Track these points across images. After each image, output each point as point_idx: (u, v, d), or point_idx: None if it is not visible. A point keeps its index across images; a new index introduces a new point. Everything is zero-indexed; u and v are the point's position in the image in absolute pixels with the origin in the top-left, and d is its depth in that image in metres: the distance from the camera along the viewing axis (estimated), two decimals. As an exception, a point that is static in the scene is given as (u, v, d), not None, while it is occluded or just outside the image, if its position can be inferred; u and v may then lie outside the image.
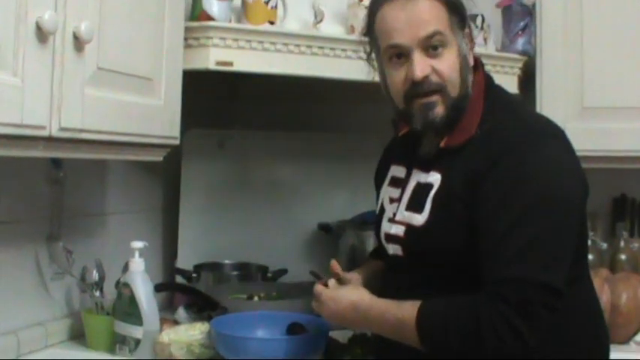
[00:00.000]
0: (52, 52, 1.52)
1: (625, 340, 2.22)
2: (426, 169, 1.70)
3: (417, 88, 1.65)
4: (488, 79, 1.76)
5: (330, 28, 2.27)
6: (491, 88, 1.74)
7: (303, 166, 2.71)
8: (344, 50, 2.23)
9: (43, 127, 1.52)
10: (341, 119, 2.86)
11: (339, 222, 2.66)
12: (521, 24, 2.56)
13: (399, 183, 1.79)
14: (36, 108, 1.49)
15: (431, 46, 1.64)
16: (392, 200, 1.79)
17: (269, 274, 2.52)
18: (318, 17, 2.23)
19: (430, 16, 1.64)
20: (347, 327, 1.87)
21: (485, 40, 2.47)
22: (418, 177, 1.72)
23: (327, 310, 1.74)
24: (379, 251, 1.94)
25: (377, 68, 1.79)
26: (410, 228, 1.70)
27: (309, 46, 2.18)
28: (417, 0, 1.65)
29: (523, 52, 2.53)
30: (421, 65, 1.63)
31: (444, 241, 1.64)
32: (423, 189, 1.69)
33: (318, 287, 1.77)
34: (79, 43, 1.58)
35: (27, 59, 1.45)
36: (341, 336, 2.07)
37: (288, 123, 2.81)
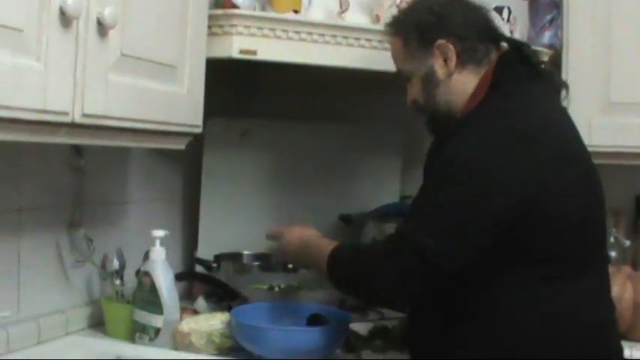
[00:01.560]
0: (76, 37, 1.50)
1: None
2: None
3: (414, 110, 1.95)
4: (502, 70, 1.82)
5: (356, 17, 2.25)
6: (501, 81, 1.80)
7: (325, 156, 2.69)
8: (369, 40, 2.21)
9: (66, 113, 1.50)
10: (364, 110, 2.84)
11: (361, 213, 2.64)
12: (549, 17, 2.53)
13: None
14: (59, 94, 1.48)
15: (404, 79, 1.93)
16: None
17: (289, 265, 2.50)
18: (343, 6, 2.21)
19: (393, 56, 1.96)
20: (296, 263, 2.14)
21: (511, 32, 2.44)
22: None
23: (284, 244, 1.98)
24: None
25: None
26: None
27: (333, 36, 2.16)
28: (391, 41, 1.96)
29: (550, 46, 2.51)
30: (408, 95, 1.94)
31: None
32: None
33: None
34: (102, 28, 1.56)
35: (50, 44, 1.44)
36: (362, 328, 2.06)
37: (311, 113, 2.80)
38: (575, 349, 1.66)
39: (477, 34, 1.85)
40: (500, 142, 1.66)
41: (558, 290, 1.67)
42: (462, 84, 1.84)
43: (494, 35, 1.88)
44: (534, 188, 1.64)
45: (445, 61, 1.84)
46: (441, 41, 1.83)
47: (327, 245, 1.82)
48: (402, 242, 1.65)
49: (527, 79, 1.82)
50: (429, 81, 1.87)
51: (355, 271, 1.74)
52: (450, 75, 1.84)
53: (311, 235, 1.95)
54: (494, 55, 1.85)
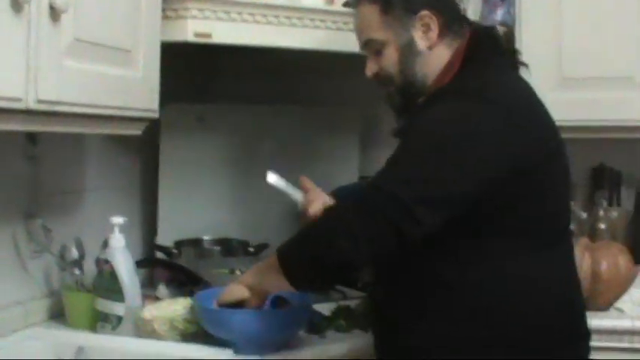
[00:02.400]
0: (28, 22, 1.47)
1: (605, 307, 2.24)
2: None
3: (376, 82, 1.90)
4: (474, 47, 1.82)
5: (310, -1, 2.25)
6: (475, 56, 1.81)
7: (283, 139, 2.68)
8: (323, 21, 2.21)
9: (19, 99, 1.48)
10: (321, 91, 2.84)
11: (320, 195, 2.64)
12: (501, -6, 2.55)
13: None
14: (12, 79, 1.45)
15: (371, 49, 1.88)
16: None
17: (250, 249, 2.50)
18: (298, -12, 2.21)
19: (363, 25, 1.90)
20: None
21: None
22: None
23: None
24: None
25: None
26: None
27: (288, 17, 2.16)
28: (358, 9, 1.91)
29: (502, 23, 2.52)
30: (369, 66, 1.90)
31: None
32: None
33: None
34: (54, 13, 1.53)
35: (1, 30, 1.41)
36: (325, 308, 2.06)
37: (268, 96, 2.79)
38: (546, 322, 1.68)
39: (452, 9, 1.87)
40: (487, 110, 1.66)
41: (532, 262, 1.69)
42: (438, 57, 1.83)
43: (461, 12, 1.90)
44: (518, 158, 1.65)
45: (425, 33, 1.83)
46: (424, 12, 1.82)
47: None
48: (374, 191, 1.63)
49: (496, 56, 1.85)
50: (408, 52, 1.84)
51: (316, 237, 1.71)
52: (429, 47, 1.83)
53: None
54: (465, 32, 1.85)
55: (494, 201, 1.64)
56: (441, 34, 1.83)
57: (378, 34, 1.86)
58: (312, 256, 1.68)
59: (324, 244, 1.66)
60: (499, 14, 2.53)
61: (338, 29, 2.22)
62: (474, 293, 1.67)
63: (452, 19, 1.85)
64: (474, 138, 1.64)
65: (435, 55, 1.83)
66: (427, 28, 1.83)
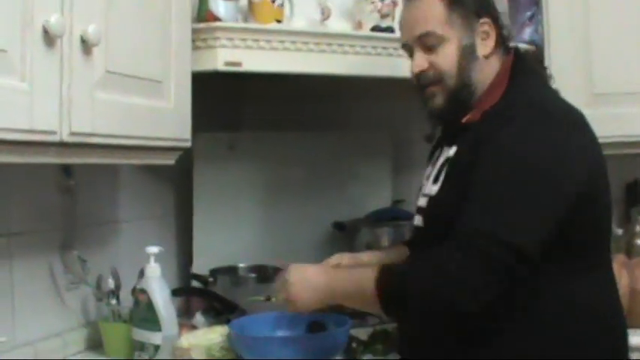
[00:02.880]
0: (60, 55, 1.50)
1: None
2: (450, 145, 1.79)
3: (419, 81, 1.82)
4: (521, 63, 1.82)
5: (338, 24, 2.27)
6: (521, 71, 1.80)
7: (315, 165, 2.69)
8: (352, 46, 2.21)
9: (53, 133, 1.50)
10: (352, 117, 2.85)
11: (353, 220, 2.65)
12: (528, 13, 2.54)
13: (434, 160, 1.88)
14: (45, 113, 1.48)
15: (426, 43, 1.79)
16: (427, 177, 1.87)
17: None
18: (325, 14, 2.22)
19: (424, 17, 1.80)
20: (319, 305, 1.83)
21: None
22: (445, 153, 1.81)
23: (294, 295, 1.79)
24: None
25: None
26: (430, 198, 1.79)
27: (317, 44, 2.17)
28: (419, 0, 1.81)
29: (531, 42, 2.52)
30: (418, 61, 1.81)
31: (448, 209, 1.67)
32: (444, 163, 1.79)
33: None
34: (86, 46, 1.56)
35: (34, 63, 1.44)
36: (362, 333, 2.05)
37: (298, 123, 2.80)
38: (595, 343, 1.65)
39: (506, 25, 1.85)
40: (569, 131, 1.64)
41: (590, 283, 1.66)
42: (490, 68, 1.80)
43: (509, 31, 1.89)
44: (591, 177, 1.65)
45: (484, 40, 1.79)
46: (486, 19, 1.79)
47: (359, 272, 1.71)
48: (479, 238, 1.54)
49: (537, 73, 1.86)
50: (469, 54, 1.79)
51: (423, 284, 1.58)
52: (486, 55, 1.79)
53: (320, 272, 1.81)
54: (510, 49, 1.84)
55: (574, 223, 1.61)
56: (496, 46, 1.81)
57: (440, 28, 1.78)
58: (421, 311, 1.60)
59: (436, 300, 1.56)
60: (527, 33, 2.52)
61: (367, 54, 2.23)
62: (534, 316, 1.62)
63: (504, 35, 1.83)
64: (564, 162, 1.61)
65: (489, 65, 1.80)
66: (487, 36, 1.79)
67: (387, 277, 1.63)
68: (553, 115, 1.67)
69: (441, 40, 1.78)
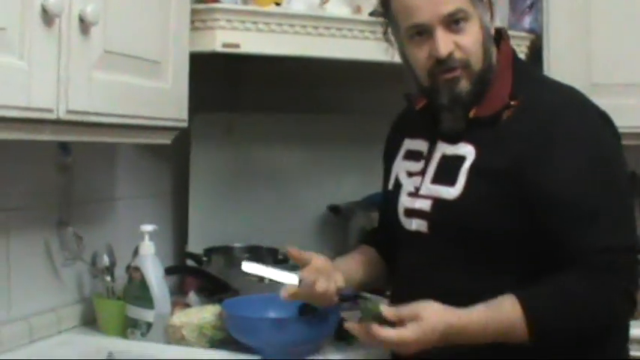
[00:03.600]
0: (58, 35, 1.51)
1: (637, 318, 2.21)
2: (454, 141, 1.67)
3: (442, 65, 1.63)
4: (514, 51, 1.75)
5: (337, 8, 2.26)
6: (516, 60, 1.74)
7: (312, 148, 2.70)
8: (350, 30, 2.22)
9: (50, 110, 1.52)
10: (349, 101, 2.85)
11: (349, 204, 2.66)
12: (528, 2, 2.55)
13: (419, 156, 1.76)
14: (43, 91, 1.49)
15: (453, 21, 1.61)
16: (411, 174, 1.76)
17: (279, 257, 2.51)
18: (324, -3, 2.23)
19: None
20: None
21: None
22: (444, 149, 1.69)
23: (416, 349, 1.54)
24: (375, 235, 2.00)
25: (397, 47, 1.76)
26: (439, 202, 1.66)
27: (315, 27, 2.17)
28: None
29: (530, 30, 2.52)
30: (444, 42, 1.61)
31: (481, 215, 1.61)
32: (452, 161, 1.66)
33: (389, 333, 1.52)
34: (84, 25, 1.57)
35: (33, 42, 1.45)
36: (352, 316, 2.06)
37: (297, 105, 2.80)
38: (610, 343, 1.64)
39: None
40: (608, 126, 1.66)
41: None
42: (494, 49, 1.69)
43: None
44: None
45: (491, 19, 1.68)
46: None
47: (495, 315, 1.54)
48: (603, 255, 1.52)
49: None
50: (488, 34, 1.67)
51: (585, 311, 1.53)
52: (494, 36, 1.69)
53: (452, 323, 1.54)
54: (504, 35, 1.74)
55: None
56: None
57: (467, 4, 1.63)
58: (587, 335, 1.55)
59: (610, 319, 1.57)
60: (527, 22, 2.53)
61: (365, 38, 2.23)
62: None
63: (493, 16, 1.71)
64: (622, 157, 1.65)
65: (498, 47, 1.71)
66: (492, 15, 1.69)
67: (541, 317, 1.52)
68: (594, 110, 1.66)
69: (468, 17, 1.62)
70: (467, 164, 1.63)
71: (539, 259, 1.57)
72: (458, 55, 1.62)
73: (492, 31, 1.69)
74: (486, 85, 1.66)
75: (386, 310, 1.54)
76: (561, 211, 1.56)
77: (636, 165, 2.69)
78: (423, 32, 1.63)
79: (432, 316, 1.52)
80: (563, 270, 1.53)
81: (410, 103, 1.83)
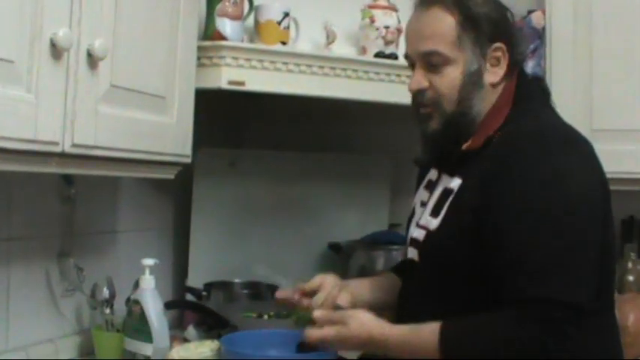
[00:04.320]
0: (66, 68, 1.53)
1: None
2: (451, 174, 1.70)
3: (415, 99, 1.73)
4: (524, 87, 1.72)
5: (342, 49, 2.30)
6: (524, 97, 1.71)
7: (314, 186, 2.72)
8: (355, 71, 2.24)
9: (56, 143, 1.53)
10: (352, 140, 2.87)
11: (350, 242, 2.67)
12: (531, 46, 2.56)
13: (431, 186, 1.79)
14: (49, 124, 1.50)
15: (430, 62, 1.68)
16: (422, 204, 1.79)
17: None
18: (330, 38, 2.25)
19: (433, 33, 1.67)
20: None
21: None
22: (445, 182, 1.72)
23: (338, 348, 1.72)
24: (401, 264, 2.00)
25: None
26: (428, 233, 1.70)
27: (320, 67, 2.20)
28: (429, 12, 1.68)
29: (532, 75, 2.53)
30: (417, 78, 1.70)
31: (450, 247, 1.64)
32: (445, 194, 1.69)
33: (312, 332, 1.68)
34: (92, 60, 1.59)
35: (41, 75, 1.46)
36: (350, 354, 2.06)
37: (300, 143, 2.82)
38: None
39: (522, 51, 1.76)
40: (577, 163, 1.58)
41: (598, 326, 1.62)
42: (495, 95, 1.70)
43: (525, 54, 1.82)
44: (605, 212, 1.61)
45: (493, 66, 1.68)
46: (500, 44, 1.68)
47: (414, 336, 1.59)
48: (533, 305, 1.48)
49: (541, 96, 1.76)
50: (473, 81, 1.67)
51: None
52: (493, 84, 1.69)
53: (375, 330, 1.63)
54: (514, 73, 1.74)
55: None
56: (505, 73, 1.70)
57: (448, 49, 1.66)
58: None
59: None
60: (529, 66, 2.53)
61: (370, 79, 2.26)
62: None
63: (517, 60, 1.72)
64: (590, 199, 1.56)
65: (494, 92, 1.70)
66: (497, 62, 1.68)
67: (453, 348, 1.54)
68: (566, 144, 1.60)
69: (447, 61, 1.66)
70: (451, 198, 1.67)
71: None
72: (429, 94, 1.69)
73: (492, 78, 1.69)
74: (462, 128, 1.68)
75: (316, 313, 1.70)
76: (500, 251, 1.53)
77: (634, 209, 2.71)
78: (411, 63, 1.75)
79: (355, 324, 1.63)
80: (502, 308, 1.51)
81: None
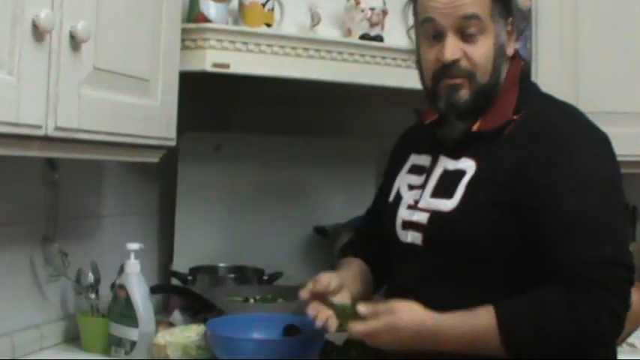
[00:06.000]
0: (49, 51, 1.51)
1: (618, 343, 2.22)
2: (456, 156, 1.68)
3: (446, 71, 1.66)
4: (525, 69, 1.77)
5: (327, 31, 2.28)
6: (526, 78, 1.76)
7: (300, 169, 2.71)
8: (340, 53, 2.23)
9: (39, 127, 1.51)
10: (338, 123, 2.87)
11: (335, 225, 2.66)
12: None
13: (422, 171, 1.77)
14: (32, 107, 1.49)
15: (466, 29, 1.64)
16: (412, 187, 1.77)
17: (265, 277, 2.52)
18: (315, 20, 2.23)
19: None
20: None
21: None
22: (446, 164, 1.70)
23: (387, 343, 1.58)
24: (356, 245, 2.00)
25: (414, 43, 1.77)
26: (435, 214, 1.66)
27: (305, 49, 2.18)
28: None
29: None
30: (452, 48, 1.63)
31: (474, 226, 1.61)
32: (452, 176, 1.67)
33: (357, 325, 1.58)
34: (75, 42, 1.57)
35: (23, 58, 1.45)
36: (337, 338, 2.06)
37: (285, 127, 2.81)
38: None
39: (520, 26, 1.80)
40: (606, 143, 1.65)
41: None
42: (506, 68, 1.71)
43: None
44: None
45: (509, 38, 1.70)
46: (512, 17, 1.70)
47: (469, 320, 1.54)
48: (593, 267, 1.50)
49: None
50: (501, 53, 1.68)
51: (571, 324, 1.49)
52: (511, 57, 1.71)
53: (425, 320, 1.56)
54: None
55: None
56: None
57: (485, 16, 1.64)
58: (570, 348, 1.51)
59: (591, 338, 1.51)
60: (516, 48, 2.54)
61: (355, 62, 2.24)
62: None
63: (517, 38, 1.75)
64: (618, 176, 1.63)
65: (507, 66, 1.71)
66: (511, 35, 1.71)
67: (515, 327, 1.51)
68: (594, 128, 1.66)
69: (483, 29, 1.64)
70: (466, 178, 1.64)
71: (531, 275, 1.57)
72: (464, 64, 1.65)
73: (510, 52, 1.71)
74: (489, 100, 1.67)
75: (361, 307, 1.59)
76: (554, 220, 1.55)
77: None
78: (437, 35, 1.66)
79: (404, 312, 1.56)
80: (553, 283, 1.52)
81: (419, 117, 1.84)
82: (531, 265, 1.57)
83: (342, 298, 1.74)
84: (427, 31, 1.69)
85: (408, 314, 1.56)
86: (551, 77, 2.42)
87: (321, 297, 1.71)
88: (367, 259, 1.93)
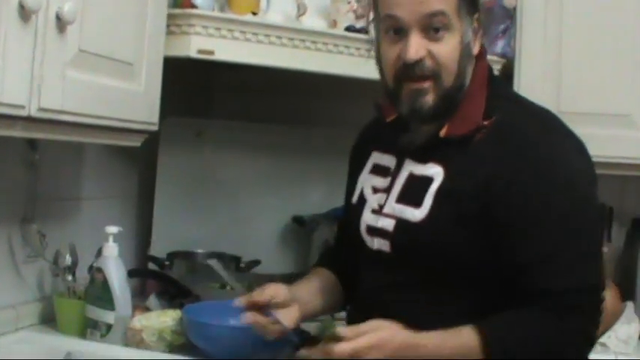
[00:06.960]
0: (35, 31, 1.51)
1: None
2: (422, 160, 1.61)
3: (409, 71, 1.55)
4: (490, 69, 1.68)
5: (313, 21, 2.28)
6: (492, 78, 1.67)
7: (280, 158, 2.71)
8: (325, 44, 2.24)
9: (22, 107, 1.51)
10: (318, 113, 2.87)
11: (313, 216, 2.67)
12: (502, 27, 2.58)
13: (386, 172, 1.69)
14: (15, 87, 1.48)
15: (432, 26, 1.53)
16: (376, 190, 1.70)
17: (242, 265, 2.52)
18: (301, 10, 2.24)
19: None
20: None
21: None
22: (412, 168, 1.63)
23: (375, 356, 1.50)
24: (332, 255, 1.95)
25: (374, 40, 1.66)
26: (402, 223, 1.60)
27: (290, 39, 2.18)
28: None
29: (502, 55, 2.55)
30: (416, 46, 1.52)
31: (444, 240, 1.56)
32: (419, 182, 1.60)
33: (341, 346, 1.48)
34: (61, 23, 1.57)
35: (8, 38, 1.44)
36: (311, 327, 2.08)
37: (267, 114, 2.81)
38: None
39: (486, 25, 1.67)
40: (581, 153, 1.62)
41: None
42: (471, 69, 1.61)
43: None
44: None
45: (475, 37, 1.60)
46: (478, 14, 1.59)
47: (453, 338, 1.53)
48: (566, 296, 1.50)
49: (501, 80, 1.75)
50: (467, 54, 1.58)
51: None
52: (476, 56, 1.61)
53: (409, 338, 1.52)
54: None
55: None
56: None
57: (452, 12, 1.53)
58: None
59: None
60: (499, 46, 2.56)
61: (339, 52, 2.25)
62: None
63: (483, 36, 1.64)
64: (594, 189, 1.60)
65: (473, 67, 1.61)
66: (476, 34, 1.60)
67: (498, 348, 1.50)
68: (570, 138, 1.62)
69: (449, 26, 1.53)
70: (434, 186, 1.57)
71: (499, 287, 1.55)
72: (428, 63, 1.54)
73: (475, 50, 1.61)
74: (454, 104, 1.58)
75: (342, 330, 1.53)
76: (526, 245, 1.52)
77: (601, 194, 2.74)
78: (399, 31, 1.55)
79: (386, 331, 1.51)
80: (525, 305, 1.51)
81: (380, 113, 1.75)
82: (500, 279, 1.55)
83: (290, 313, 1.70)
84: (388, 27, 1.57)
85: (389, 331, 1.51)
86: (533, 76, 2.45)
87: (262, 308, 1.68)
88: (338, 270, 1.87)
